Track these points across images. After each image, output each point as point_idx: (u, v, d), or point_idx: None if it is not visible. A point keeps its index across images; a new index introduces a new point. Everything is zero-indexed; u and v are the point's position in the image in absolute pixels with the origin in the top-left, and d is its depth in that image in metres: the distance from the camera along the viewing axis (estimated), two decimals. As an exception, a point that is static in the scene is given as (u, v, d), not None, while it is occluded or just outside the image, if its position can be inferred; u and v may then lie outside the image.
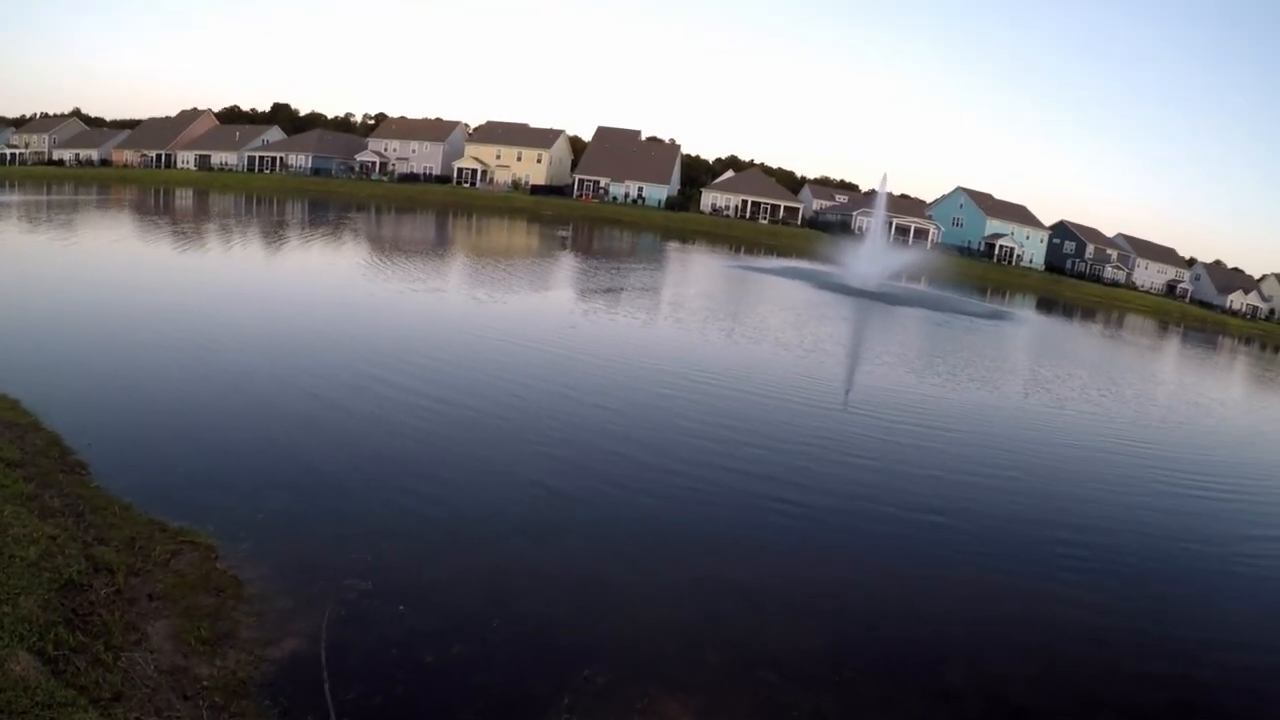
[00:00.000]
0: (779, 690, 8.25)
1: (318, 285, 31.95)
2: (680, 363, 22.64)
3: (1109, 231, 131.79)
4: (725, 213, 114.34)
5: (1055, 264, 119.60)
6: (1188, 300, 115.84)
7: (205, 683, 7.04)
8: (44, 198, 68.40)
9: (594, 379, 19.68)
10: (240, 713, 6.73)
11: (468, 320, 26.33)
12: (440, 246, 54.64)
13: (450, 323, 25.74)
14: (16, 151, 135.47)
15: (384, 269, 38.05)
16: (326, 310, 25.89)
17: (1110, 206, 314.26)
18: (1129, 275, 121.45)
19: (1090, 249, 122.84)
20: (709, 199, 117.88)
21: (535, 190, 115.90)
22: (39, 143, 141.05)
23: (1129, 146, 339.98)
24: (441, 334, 23.37)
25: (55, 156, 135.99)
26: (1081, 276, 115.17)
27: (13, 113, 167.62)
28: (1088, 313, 73.85)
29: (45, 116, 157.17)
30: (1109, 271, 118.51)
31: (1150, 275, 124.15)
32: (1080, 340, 49.45)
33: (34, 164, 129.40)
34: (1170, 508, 16.08)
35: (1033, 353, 38.58)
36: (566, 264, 50.43)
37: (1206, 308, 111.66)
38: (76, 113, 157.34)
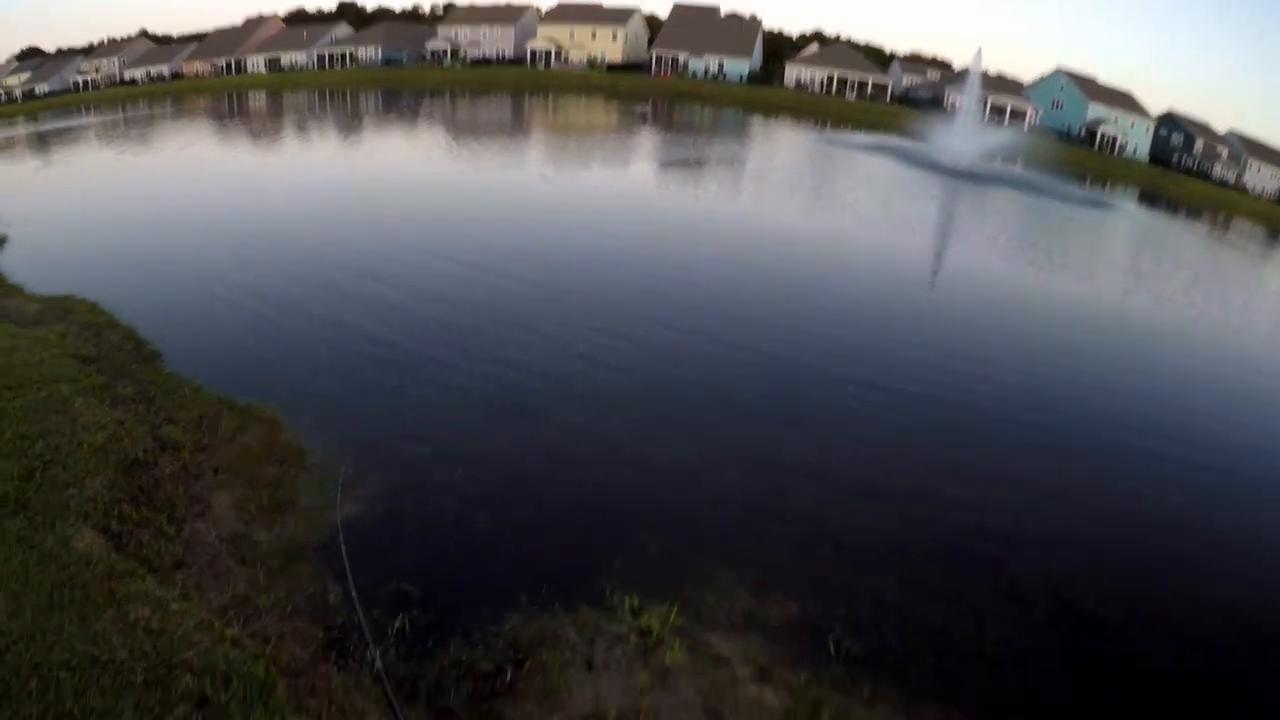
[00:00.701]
0: (838, 572, 7.93)
1: (388, 170, 31.59)
2: (759, 237, 21.80)
3: (1220, 127, 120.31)
4: (810, 88, 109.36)
5: (1160, 157, 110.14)
6: None
7: (264, 548, 7.10)
8: (120, 115, 69.43)
9: (667, 254, 19.05)
10: (296, 575, 6.76)
11: (537, 197, 25.78)
12: (515, 126, 53.81)
13: (519, 200, 25.14)
14: (88, 77, 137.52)
15: (457, 150, 37.58)
16: (395, 194, 25.61)
17: (1223, 101, 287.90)
18: (1239, 176, 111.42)
19: (1199, 144, 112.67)
20: (793, 73, 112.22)
21: (611, 68, 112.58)
22: (109, 66, 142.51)
23: (1247, 33, 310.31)
24: (509, 212, 22.85)
25: (126, 77, 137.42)
26: (1188, 172, 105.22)
27: (81, 42, 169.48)
28: (1193, 211, 67.78)
29: (113, 41, 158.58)
30: (1218, 170, 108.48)
31: (1263, 179, 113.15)
32: (1185, 239, 45.07)
33: (106, 87, 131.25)
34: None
35: (1134, 247, 35.12)
36: (645, 139, 49.13)
37: None
38: (143, 33, 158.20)
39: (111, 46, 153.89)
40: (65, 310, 13.24)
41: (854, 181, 37.74)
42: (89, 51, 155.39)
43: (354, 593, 5.48)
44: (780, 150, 49.56)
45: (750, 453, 9.96)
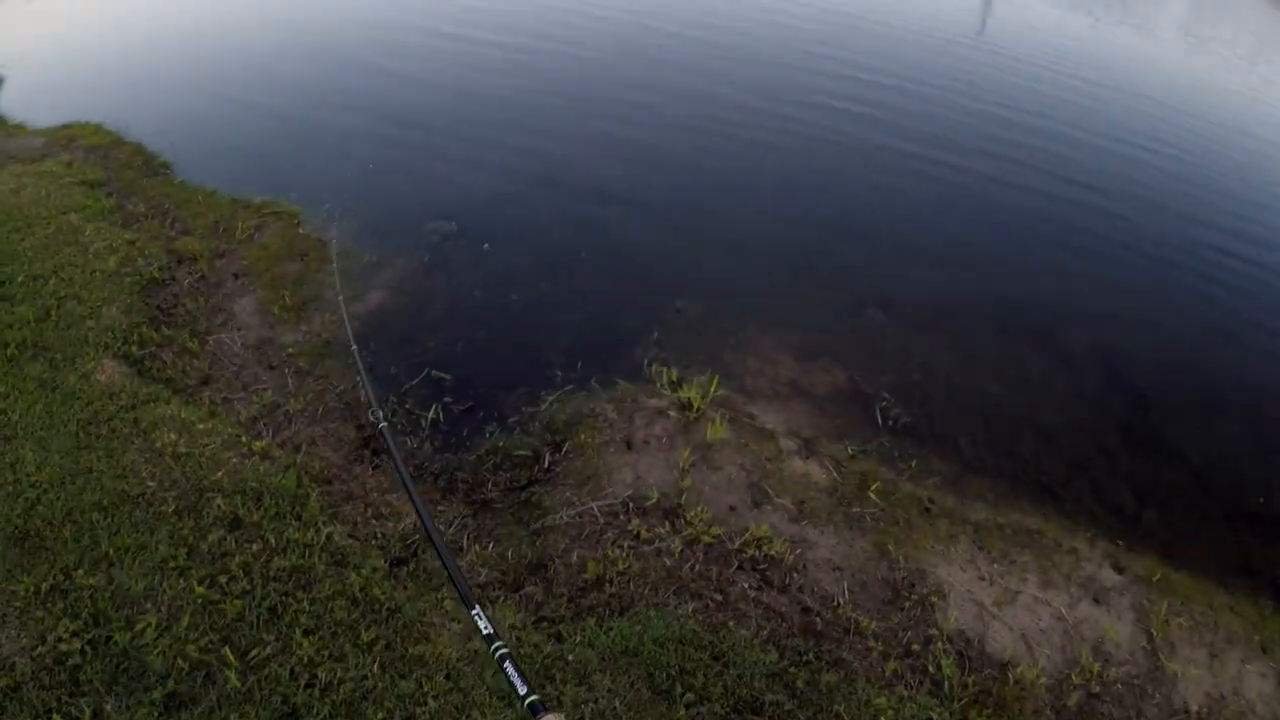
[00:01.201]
0: (886, 334, 7.34)
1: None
2: None
3: None
4: None
5: None
6: None
7: (290, 350, 6.68)
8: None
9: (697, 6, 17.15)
10: (325, 373, 6.36)
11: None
12: None
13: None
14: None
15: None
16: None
17: None
18: None
19: None
20: None
21: None
22: None
23: None
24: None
25: None
26: None
27: None
28: None
29: None
30: None
31: None
32: None
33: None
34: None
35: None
36: None
37: None
38: None
39: None
40: (70, 138, 12.54)
41: None
42: None
43: (361, 376, 4.94)
44: None
45: (792, 212, 9.31)
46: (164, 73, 15.85)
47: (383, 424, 4.03)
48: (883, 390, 6.59)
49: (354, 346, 5.13)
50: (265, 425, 5.84)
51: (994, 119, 12.97)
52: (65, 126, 13.03)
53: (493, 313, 7.07)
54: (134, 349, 6.62)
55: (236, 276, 7.86)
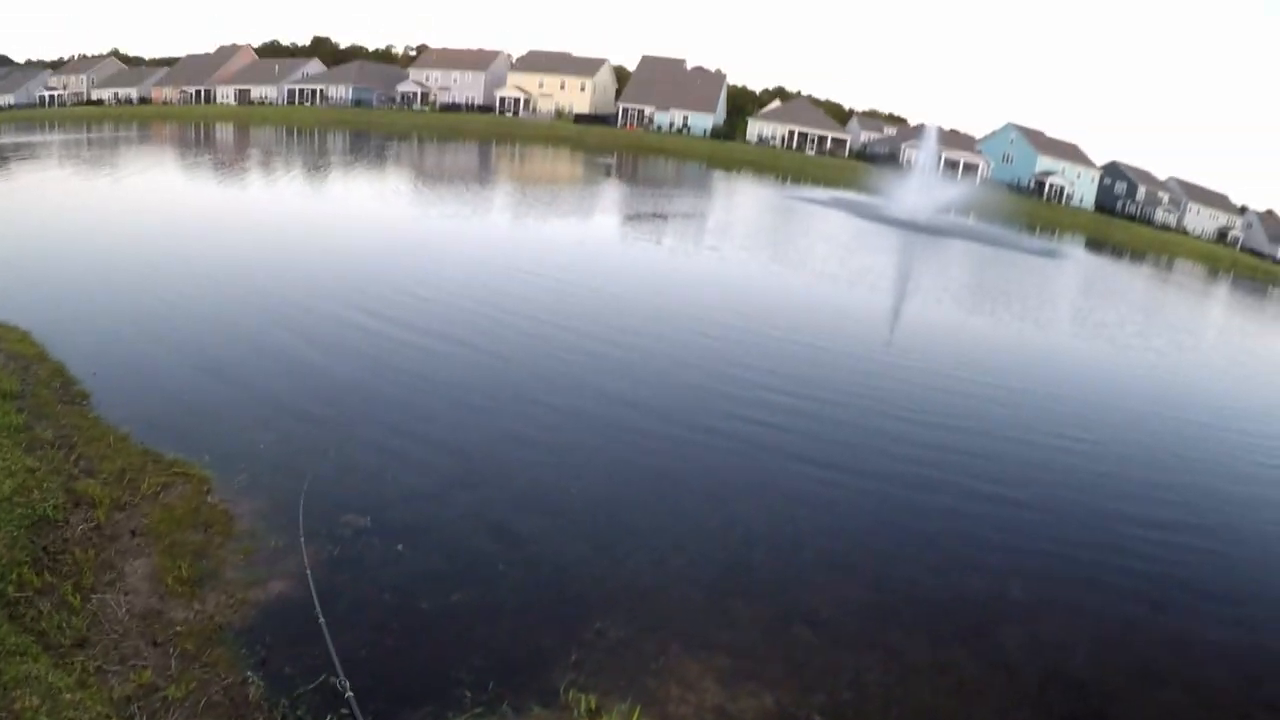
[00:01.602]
0: (816, 651, 7.34)
1: (345, 216, 31.05)
2: (715, 297, 21.40)
3: (1161, 174, 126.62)
4: (772, 143, 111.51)
5: (1106, 204, 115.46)
6: (1238, 248, 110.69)
7: (179, 628, 6.40)
8: (83, 136, 68.34)
9: (620, 314, 18.36)
10: (212, 662, 6.07)
11: (494, 251, 25.16)
12: (480, 174, 53.52)
13: (475, 254, 24.50)
14: (55, 93, 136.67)
15: (419, 198, 37.18)
16: (349, 242, 25.00)
17: (1163, 147, 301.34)
18: (1180, 219, 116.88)
19: (1142, 191, 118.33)
20: (755, 129, 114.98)
21: (579, 119, 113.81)
22: (77, 83, 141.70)
23: (1184, 85, 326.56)
24: (465, 266, 22.13)
25: (94, 96, 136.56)
26: (1132, 218, 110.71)
27: (51, 55, 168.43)
28: (1137, 255, 70.35)
29: (83, 57, 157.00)
30: (1160, 215, 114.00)
31: (1201, 220, 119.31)
32: (1132, 283, 46.62)
33: (73, 104, 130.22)
34: (1248, 475, 14.44)
35: (1085, 293, 36.41)
36: (609, 191, 49.23)
37: (1257, 256, 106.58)
38: (114, 52, 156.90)
39: (82, 63, 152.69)
40: (-7, 338, 12.49)
41: (812, 236, 38.53)
42: (58, 66, 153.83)
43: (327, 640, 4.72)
44: (742, 205, 50.54)
45: (713, 527, 9.40)
46: (105, 293, 16.11)
47: (349, 693, 3.91)
48: (814, 712, 6.46)
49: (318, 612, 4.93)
50: (141, 709, 5.49)
51: (907, 425, 13.58)
52: (-8, 325, 12.95)
53: (401, 619, 6.86)
54: (10, 589, 6.29)
55: (134, 534, 7.65)
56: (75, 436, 9.49)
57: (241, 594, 6.86)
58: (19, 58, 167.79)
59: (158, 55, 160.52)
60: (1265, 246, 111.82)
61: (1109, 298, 36.07)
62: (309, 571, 7.09)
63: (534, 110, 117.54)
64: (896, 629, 7.91)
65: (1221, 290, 56.12)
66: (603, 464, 10.68)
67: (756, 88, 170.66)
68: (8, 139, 62.33)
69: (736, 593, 8.08)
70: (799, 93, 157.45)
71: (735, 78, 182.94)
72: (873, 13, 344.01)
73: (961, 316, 23.66)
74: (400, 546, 7.91)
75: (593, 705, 6.13)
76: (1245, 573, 10.58)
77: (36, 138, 64.55)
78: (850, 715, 6.59)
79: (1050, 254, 51.48)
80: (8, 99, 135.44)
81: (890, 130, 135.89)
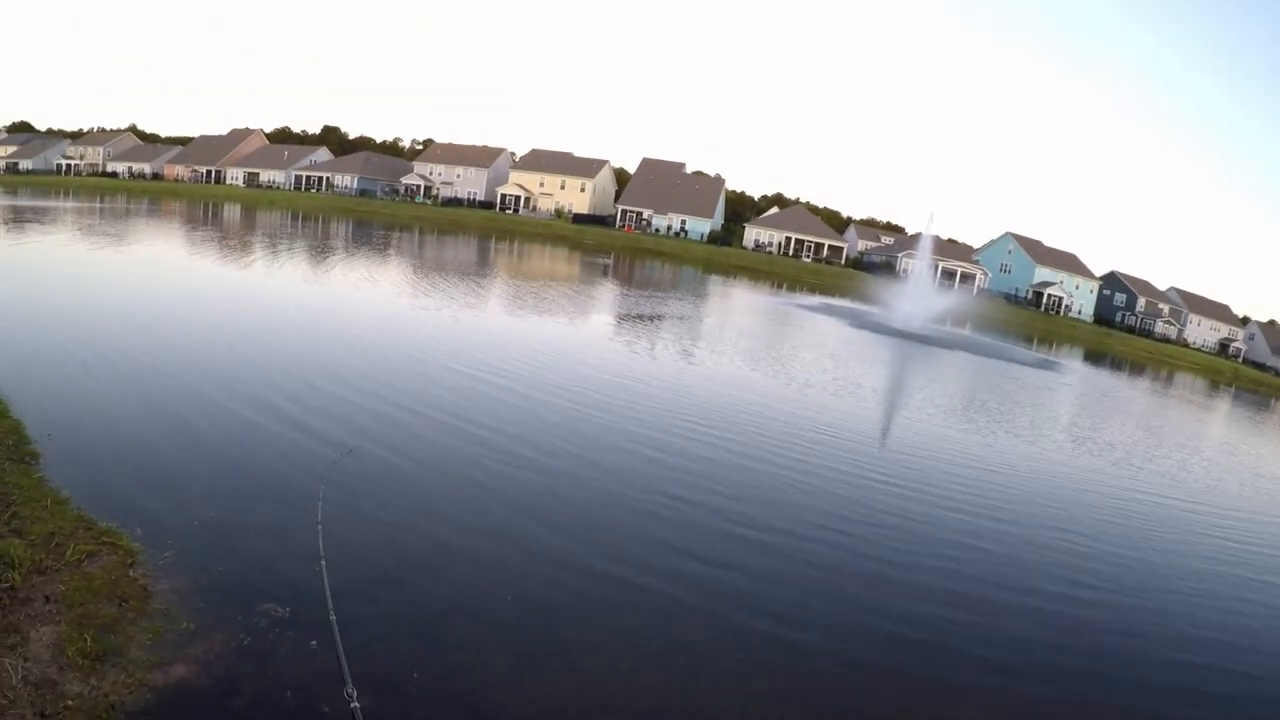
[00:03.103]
0: None
1: (332, 301, 31.35)
2: (698, 407, 20.81)
3: (1161, 284, 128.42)
4: (768, 249, 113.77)
5: (1105, 316, 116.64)
6: (1240, 360, 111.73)
7: (70, 702, 6.21)
8: (95, 205, 69.48)
9: (582, 425, 17.31)
10: (97, 743, 5.86)
11: (458, 345, 25.10)
12: (479, 270, 54.14)
13: (468, 347, 24.48)
14: (73, 162, 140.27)
15: (414, 289, 37.51)
16: (333, 325, 25.21)
17: (1163, 258, 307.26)
18: (1180, 331, 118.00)
19: (1141, 302, 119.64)
20: (752, 234, 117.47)
21: (578, 219, 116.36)
22: (94, 155, 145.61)
23: (1185, 197, 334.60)
24: (455, 358, 22.04)
25: (109, 168, 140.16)
26: (1131, 330, 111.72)
27: (71, 126, 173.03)
28: (1136, 368, 70.61)
29: (102, 130, 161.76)
30: (1160, 327, 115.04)
31: (1203, 332, 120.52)
32: (1132, 397, 46.38)
33: (89, 174, 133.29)
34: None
35: (1086, 409, 35.94)
36: (605, 292, 49.78)
37: (1259, 368, 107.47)
38: (132, 128, 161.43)
39: (100, 135, 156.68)
40: (-45, 397, 12.46)
41: (806, 344, 38.59)
42: (77, 136, 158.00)
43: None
44: (736, 310, 50.95)
45: (652, 647, 8.85)
46: (84, 358, 16.17)
47: (355, 703, 3.82)
48: None
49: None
50: (7, 785, 5.30)
51: (882, 566, 12.37)
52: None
53: (300, 717, 6.62)
54: (-97, 648, 6.13)
55: (47, 600, 7.49)
56: (14, 495, 9.39)
57: (142, 674, 6.68)
58: (41, 125, 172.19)
59: (173, 134, 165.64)
60: (1268, 358, 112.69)
61: (1100, 411, 35.88)
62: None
63: (534, 208, 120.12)
64: None
65: (1224, 405, 55.77)
66: (544, 569, 10.27)
67: (755, 193, 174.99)
68: (24, 202, 63.38)
69: None
70: (797, 199, 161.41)
71: (734, 183, 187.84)
72: (872, 122, 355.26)
73: (953, 432, 23.02)
74: (314, 643, 7.65)
75: None
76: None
77: (51, 203, 65.68)
78: None
79: (1047, 366, 51.50)
80: (27, 164, 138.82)
81: (887, 239, 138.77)
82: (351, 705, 4.23)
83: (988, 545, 13.69)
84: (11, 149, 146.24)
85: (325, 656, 7.48)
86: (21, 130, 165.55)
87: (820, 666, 9.06)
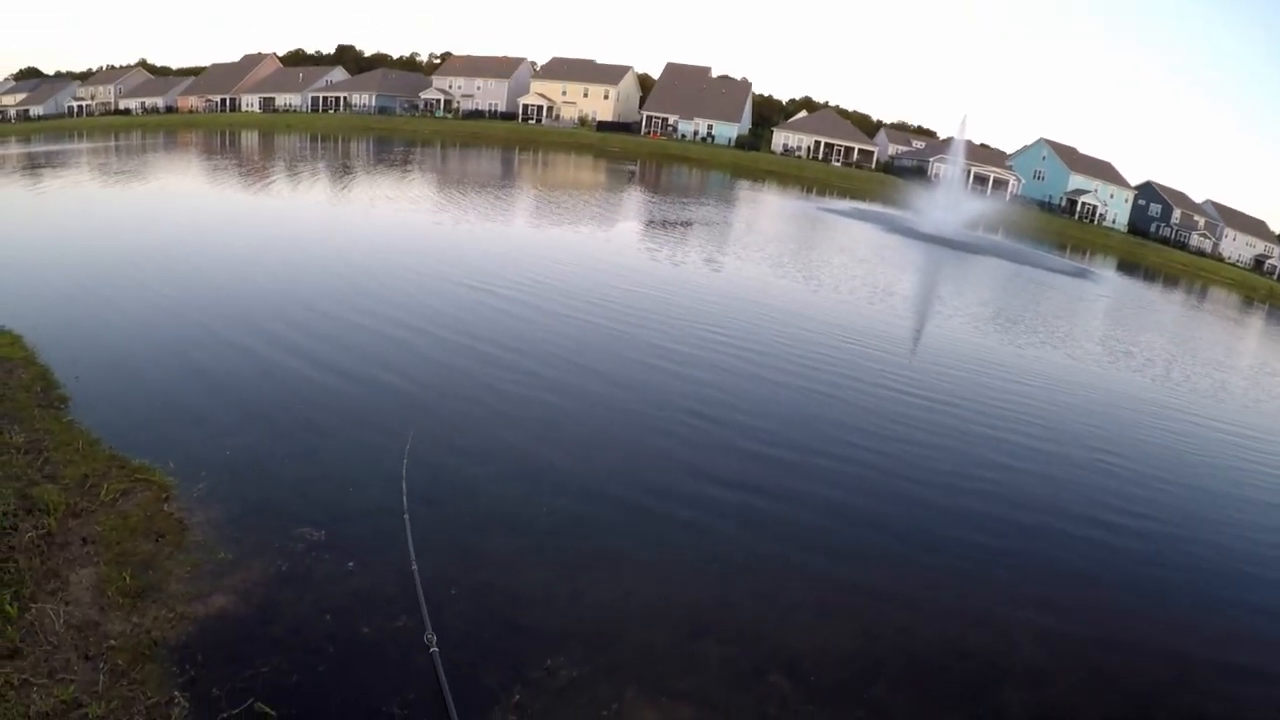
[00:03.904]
0: (791, 705, 6.70)
1: (365, 223, 30.96)
2: (729, 309, 20.92)
3: (1197, 197, 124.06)
4: (797, 153, 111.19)
5: (1139, 226, 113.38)
6: (1276, 277, 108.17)
7: (113, 641, 6.25)
8: (110, 144, 69.23)
9: (604, 341, 17.18)
10: (141, 679, 5.91)
11: (503, 256, 25.07)
12: (503, 180, 53.55)
13: (492, 256, 24.47)
14: (83, 103, 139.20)
15: (439, 202, 37.15)
16: (367, 248, 24.92)
17: (1200, 170, 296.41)
18: (1215, 245, 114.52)
19: (1177, 214, 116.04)
20: (780, 139, 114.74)
21: (602, 127, 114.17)
22: (105, 93, 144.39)
23: (1224, 103, 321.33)
24: (480, 268, 22.03)
25: (121, 106, 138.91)
26: (1166, 242, 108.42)
27: (79, 67, 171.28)
28: (1170, 280, 68.09)
29: (111, 68, 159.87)
30: (1195, 239, 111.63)
31: (1238, 247, 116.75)
32: (1168, 310, 44.45)
33: (101, 114, 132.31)
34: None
35: (1122, 321, 34.33)
36: (631, 199, 49.10)
37: None
38: (142, 63, 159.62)
39: (109, 73, 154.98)
40: (-16, 342, 12.50)
41: (836, 249, 37.82)
42: (86, 77, 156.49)
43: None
44: (765, 215, 49.82)
45: (689, 557, 8.82)
46: (108, 298, 16.14)
47: (434, 648, 3.73)
48: None
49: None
50: (53, 728, 5.34)
51: (920, 451, 12.74)
52: (-13, 329, 13.01)
53: (339, 644, 6.59)
54: (-54, 600, 6.18)
55: (85, 542, 7.52)
56: (46, 441, 9.41)
57: (182, 608, 6.71)
58: (48, 69, 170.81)
59: (184, 65, 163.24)
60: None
61: (1136, 321, 34.87)
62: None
63: (557, 118, 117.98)
64: (883, 685, 7.20)
65: (1258, 322, 54.18)
66: (579, 483, 10.22)
67: (783, 97, 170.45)
68: (38, 147, 63.28)
69: (709, 633, 7.55)
70: (826, 103, 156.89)
71: (761, 87, 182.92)
72: (903, 23, 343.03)
73: (986, 343, 22.46)
74: (351, 564, 7.69)
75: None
76: None
77: (66, 146, 65.55)
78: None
79: (1080, 274, 50.27)
80: (38, 109, 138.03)
81: (919, 143, 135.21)
82: (428, 642, 4.19)
83: (1025, 466, 13.08)
84: (21, 96, 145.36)
85: (361, 578, 7.53)
86: (29, 76, 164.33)
87: (855, 582, 8.93)
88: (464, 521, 8.86)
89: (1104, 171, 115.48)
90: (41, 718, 5.41)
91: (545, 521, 9.11)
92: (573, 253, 27.55)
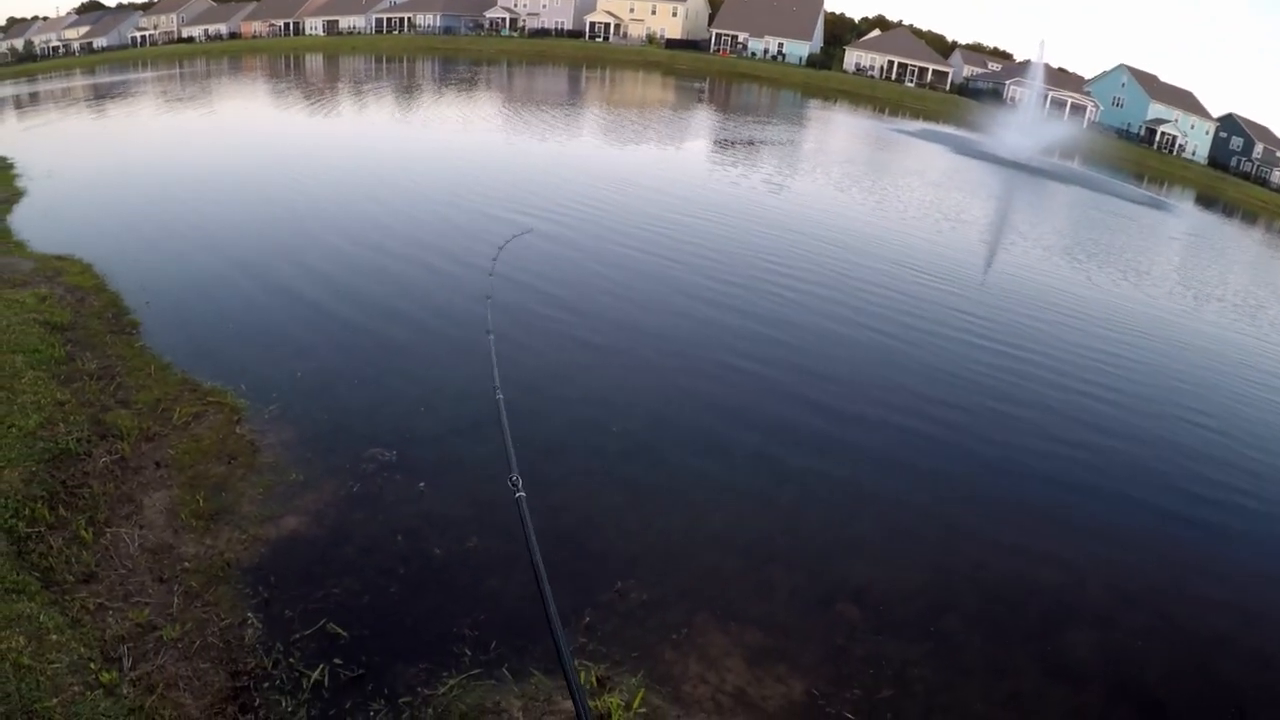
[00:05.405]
0: (857, 636, 6.46)
1: (433, 144, 30.67)
2: (801, 228, 20.45)
3: None
4: (869, 73, 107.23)
5: (1219, 159, 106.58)
6: None
7: (187, 564, 6.19)
8: (175, 72, 69.78)
9: (694, 242, 17.46)
10: (214, 601, 5.84)
11: (574, 174, 24.66)
12: (570, 99, 52.71)
13: (560, 176, 24.07)
14: (146, 33, 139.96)
15: (506, 122, 36.71)
16: (425, 165, 24.74)
17: None
18: None
19: (1259, 148, 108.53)
20: (853, 58, 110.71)
21: (670, 44, 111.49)
22: (168, 22, 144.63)
23: None
24: (548, 187, 21.75)
25: (184, 34, 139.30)
26: (1246, 177, 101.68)
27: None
28: (1249, 217, 63.14)
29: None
30: (1277, 176, 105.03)
31: None
32: (1256, 252, 40.68)
33: (164, 43, 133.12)
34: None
35: (1209, 262, 31.06)
36: (700, 117, 47.99)
37: None
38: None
39: (171, 2, 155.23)
40: (57, 271, 12.59)
41: (910, 171, 36.47)
42: (148, 7, 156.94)
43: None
44: (837, 135, 48.38)
45: (760, 485, 8.55)
46: (175, 225, 16.11)
47: (520, 494, 4.15)
48: (845, 710, 5.69)
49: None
50: (132, 649, 5.28)
51: (990, 379, 12.34)
52: (59, 258, 13.19)
53: (410, 565, 6.49)
54: (21, 525, 6.16)
55: (158, 466, 7.48)
56: (118, 367, 9.42)
57: (255, 530, 6.63)
58: (110, 1, 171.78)
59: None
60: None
61: (1239, 272, 31.65)
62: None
63: (624, 35, 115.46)
64: (954, 618, 6.92)
65: None
66: (651, 404, 9.99)
67: (855, 15, 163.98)
68: (103, 79, 64.06)
69: (779, 559, 7.32)
70: (900, 22, 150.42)
71: (833, 4, 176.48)
72: None
73: (1064, 284, 20.43)
74: (422, 485, 7.55)
75: (598, 677, 5.61)
76: None
77: (130, 76, 66.25)
78: (886, 717, 5.77)
79: (1157, 205, 47.47)
80: (101, 41, 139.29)
81: (994, 65, 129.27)
82: (517, 495, 4.10)
83: (1105, 437, 11.25)
84: (84, 29, 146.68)
85: (433, 500, 7.39)
86: (92, 9, 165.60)
87: (926, 514, 8.53)
88: (535, 444, 8.58)
89: (1185, 101, 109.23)
90: (117, 640, 5.36)
91: (616, 446, 8.89)
92: (663, 176, 26.93)
